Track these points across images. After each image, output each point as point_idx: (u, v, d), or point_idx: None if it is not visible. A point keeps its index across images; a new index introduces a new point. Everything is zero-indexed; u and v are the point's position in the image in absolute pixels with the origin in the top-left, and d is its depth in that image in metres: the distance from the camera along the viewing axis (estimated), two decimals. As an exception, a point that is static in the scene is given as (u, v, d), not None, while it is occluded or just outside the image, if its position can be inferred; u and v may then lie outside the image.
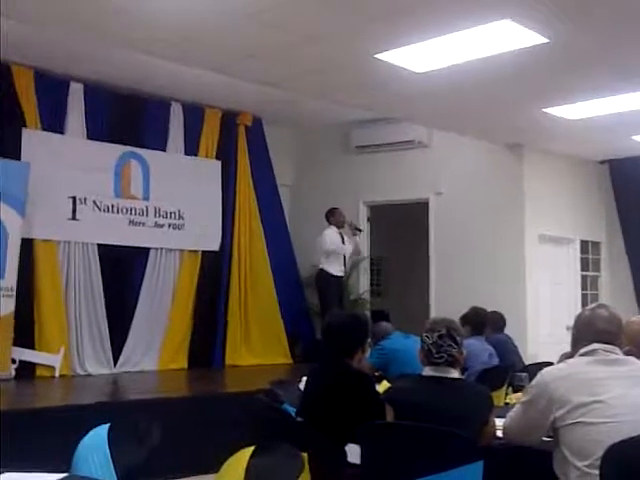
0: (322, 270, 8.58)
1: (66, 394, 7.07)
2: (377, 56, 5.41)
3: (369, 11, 4.63)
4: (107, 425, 2.61)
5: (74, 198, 7.82)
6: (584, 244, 9.42)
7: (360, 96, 6.75)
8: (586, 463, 2.52)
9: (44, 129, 7.65)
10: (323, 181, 9.85)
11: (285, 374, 7.85)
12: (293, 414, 3.56)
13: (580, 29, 4.94)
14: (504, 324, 6.54)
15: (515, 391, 4.59)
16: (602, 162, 9.48)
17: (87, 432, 2.62)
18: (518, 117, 7.30)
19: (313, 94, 6.91)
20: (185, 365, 8.51)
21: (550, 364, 3.09)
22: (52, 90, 7.70)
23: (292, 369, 8.67)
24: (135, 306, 8.27)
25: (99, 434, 2.56)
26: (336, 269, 8.60)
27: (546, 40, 5.04)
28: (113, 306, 8.05)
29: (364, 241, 9.44)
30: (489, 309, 6.19)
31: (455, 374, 3.03)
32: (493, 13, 4.66)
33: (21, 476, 2.12)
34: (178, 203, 8.63)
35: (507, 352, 6.08)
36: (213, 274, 8.90)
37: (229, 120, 9.19)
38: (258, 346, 9.12)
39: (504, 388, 4.92)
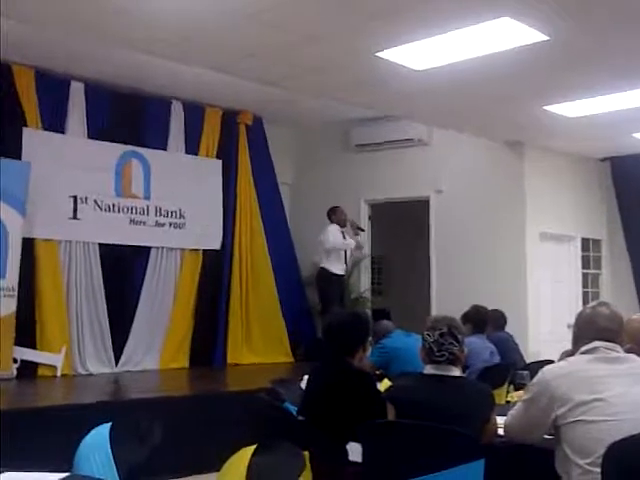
0: (323, 269, 8.58)
1: (67, 393, 7.08)
2: (377, 54, 5.41)
3: (369, 10, 4.62)
4: (109, 424, 2.61)
5: (75, 197, 7.83)
6: (585, 242, 9.42)
7: (360, 94, 6.75)
8: (587, 461, 2.52)
9: (45, 128, 7.65)
10: (324, 180, 9.85)
11: (286, 373, 7.86)
12: (294, 413, 3.57)
13: (580, 26, 4.94)
14: (505, 322, 6.55)
15: (516, 389, 4.60)
16: (603, 160, 9.47)
17: (89, 431, 2.62)
18: (518, 115, 7.30)
19: (313, 93, 6.91)
20: (186, 364, 8.52)
21: (551, 362, 3.08)
22: (53, 89, 7.70)
23: (293, 368, 8.68)
24: (136, 305, 8.27)
25: (101, 433, 2.56)
26: (337, 267, 8.60)
27: (546, 37, 5.03)
28: (114, 305, 8.05)
29: (365, 239, 9.44)
30: (490, 307, 6.19)
31: (456, 372, 3.03)
32: (493, 11, 4.65)
33: (22, 475, 2.12)
34: (179, 202, 8.63)
35: (508, 350, 6.08)
36: (214, 273, 8.91)
37: (230, 119, 9.19)
38: (259, 345, 9.12)
39: (505, 386, 4.92)
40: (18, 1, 4.48)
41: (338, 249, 8.63)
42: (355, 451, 2.98)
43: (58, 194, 7.68)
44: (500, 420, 2.97)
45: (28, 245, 7.37)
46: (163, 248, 8.55)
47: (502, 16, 4.71)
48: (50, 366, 7.37)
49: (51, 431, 4.89)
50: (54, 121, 7.75)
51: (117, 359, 8.02)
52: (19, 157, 7.37)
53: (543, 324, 8.48)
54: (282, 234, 9.65)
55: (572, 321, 2.97)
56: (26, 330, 7.28)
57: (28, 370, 7.21)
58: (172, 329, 8.48)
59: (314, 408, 3.40)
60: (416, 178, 9.18)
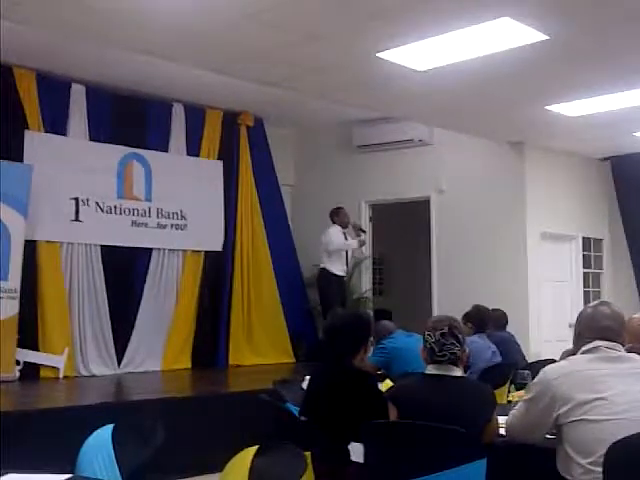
0: (324, 269, 8.58)
1: (70, 395, 7.08)
2: (378, 55, 5.41)
3: (369, 10, 4.62)
4: (111, 425, 2.62)
5: (77, 199, 7.84)
6: (586, 241, 9.41)
7: (361, 95, 6.75)
8: (589, 460, 2.52)
9: (46, 131, 7.67)
10: (325, 181, 9.85)
11: (288, 373, 7.86)
12: (296, 413, 3.57)
13: (580, 26, 4.94)
14: (506, 322, 6.55)
15: (518, 389, 4.59)
16: (604, 159, 9.47)
17: (91, 433, 2.63)
18: (519, 115, 7.30)
19: (314, 94, 6.91)
20: (188, 365, 8.53)
21: (553, 361, 3.08)
22: (54, 92, 7.71)
23: (295, 368, 8.68)
24: (138, 306, 8.28)
25: (103, 435, 2.57)
26: (338, 268, 8.60)
27: (546, 37, 5.04)
28: (116, 307, 8.06)
29: (366, 240, 9.43)
30: (491, 307, 6.20)
31: (458, 372, 3.03)
32: (493, 11, 4.66)
33: (25, 477, 2.12)
34: (180, 204, 8.64)
35: (510, 350, 6.09)
36: (216, 274, 8.92)
37: (230, 120, 9.20)
38: (261, 346, 9.13)
39: (507, 386, 4.92)
40: (16, 4, 4.49)
41: (341, 250, 8.63)
42: (357, 451, 2.98)
43: (60, 196, 7.69)
44: (501, 420, 2.97)
45: (30, 247, 7.38)
46: (165, 250, 8.55)
47: (502, 16, 4.71)
48: (52, 368, 7.38)
49: (54, 433, 4.89)
50: (56, 123, 7.76)
51: (119, 360, 8.03)
52: (21, 159, 7.38)
53: (544, 324, 8.48)
54: (283, 235, 9.66)
55: (573, 320, 2.97)
56: (28, 332, 7.30)
57: (31, 372, 7.22)
58: (174, 330, 8.48)
59: (316, 409, 3.40)
60: (417, 178, 9.18)
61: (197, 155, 8.90)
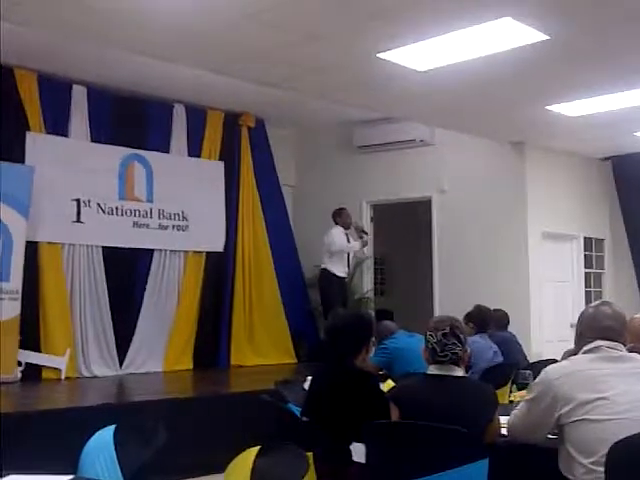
0: (325, 270, 8.57)
1: (72, 396, 7.08)
2: (379, 55, 5.41)
3: (369, 10, 4.63)
4: (113, 426, 2.62)
5: (78, 201, 7.84)
6: (587, 241, 9.41)
7: (361, 95, 6.75)
8: (591, 460, 2.52)
9: (48, 132, 7.67)
10: (326, 181, 9.85)
11: (290, 374, 7.86)
12: (298, 414, 3.57)
13: (580, 26, 4.94)
14: (508, 322, 6.55)
15: (519, 389, 4.58)
16: (605, 159, 9.47)
17: (93, 434, 2.63)
18: (520, 115, 7.30)
19: (314, 94, 6.91)
20: (190, 366, 8.53)
21: (554, 361, 3.08)
22: (55, 93, 7.72)
23: (297, 369, 8.69)
24: (140, 307, 8.29)
25: (105, 436, 2.58)
26: (339, 269, 8.59)
27: (547, 37, 5.04)
28: (118, 308, 8.07)
29: (368, 241, 9.43)
30: (493, 307, 6.20)
31: (459, 372, 3.03)
32: (494, 11, 4.66)
33: (27, 478, 2.13)
34: (182, 204, 8.64)
35: (511, 350, 6.08)
36: (217, 275, 8.92)
37: (231, 121, 9.20)
38: (263, 346, 9.13)
39: (508, 386, 4.92)
40: (16, 4, 4.49)
41: (343, 252, 8.63)
42: (359, 451, 2.98)
43: (61, 197, 7.70)
44: (503, 420, 2.97)
45: (32, 248, 7.38)
46: (166, 250, 8.56)
47: (503, 16, 4.71)
48: (54, 369, 7.39)
49: (55, 434, 4.89)
50: (57, 125, 7.76)
51: (121, 361, 8.04)
52: (22, 161, 7.39)
53: (546, 324, 8.48)
54: (285, 235, 9.66)
55: (575, 321, 2.97)
56: (30, 333, 7.30)
57: (32, 373, 7.22)
58: (176, 331, 8.49)
59: (317, 409, 3.40)
60: (418, 179, 9.18)
61: (198, 156, 8.91)
